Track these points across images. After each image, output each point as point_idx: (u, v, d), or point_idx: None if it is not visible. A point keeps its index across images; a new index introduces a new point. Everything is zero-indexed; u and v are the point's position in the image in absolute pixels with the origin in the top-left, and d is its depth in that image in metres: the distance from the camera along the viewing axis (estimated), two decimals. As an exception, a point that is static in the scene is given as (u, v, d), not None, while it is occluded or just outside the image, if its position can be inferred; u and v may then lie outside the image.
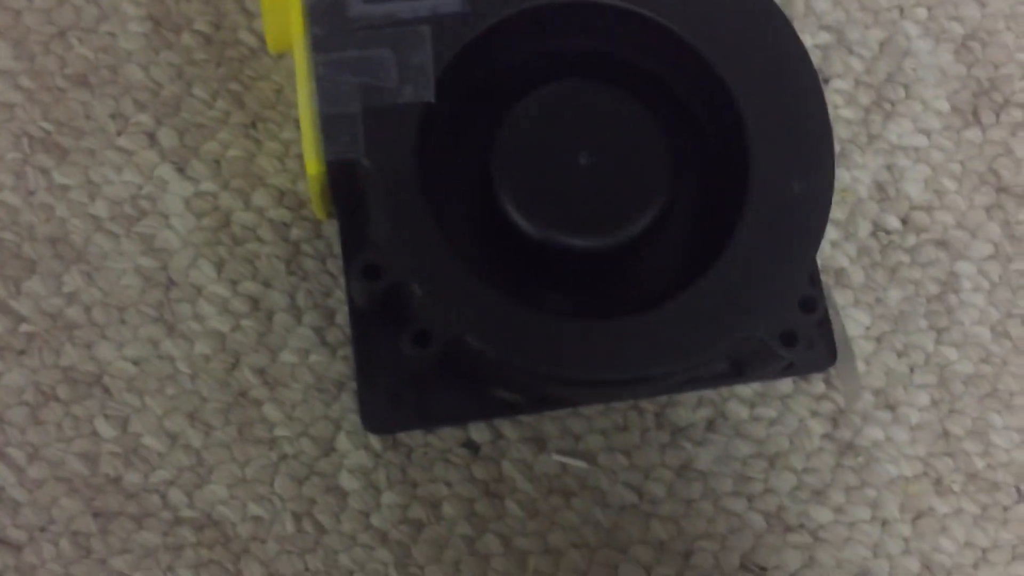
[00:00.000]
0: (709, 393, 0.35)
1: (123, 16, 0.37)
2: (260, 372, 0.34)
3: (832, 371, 0.35)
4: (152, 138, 0.36)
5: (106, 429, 0.34)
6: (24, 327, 0.34)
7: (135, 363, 0.34)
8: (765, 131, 0.32)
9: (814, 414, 0.35)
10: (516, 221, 0.32)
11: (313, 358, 0.35)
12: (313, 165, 0.31)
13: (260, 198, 0.36)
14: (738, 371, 0.34)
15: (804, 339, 0.31)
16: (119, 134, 0.36)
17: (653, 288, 0.33)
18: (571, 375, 0.31)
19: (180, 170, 0.36)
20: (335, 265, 0.35)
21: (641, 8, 0.33)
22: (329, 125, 0.32)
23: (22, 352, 0.34)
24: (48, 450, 0.33)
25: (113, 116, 0.36)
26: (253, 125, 0.36)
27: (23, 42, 0.36)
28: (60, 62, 0.36)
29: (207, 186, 0.36)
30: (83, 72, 0.36)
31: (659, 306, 0.31)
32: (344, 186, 0.33)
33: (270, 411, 0.34)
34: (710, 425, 0.35)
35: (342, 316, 0.35)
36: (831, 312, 0.34)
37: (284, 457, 0.34)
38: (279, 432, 0.34)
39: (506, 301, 0.31)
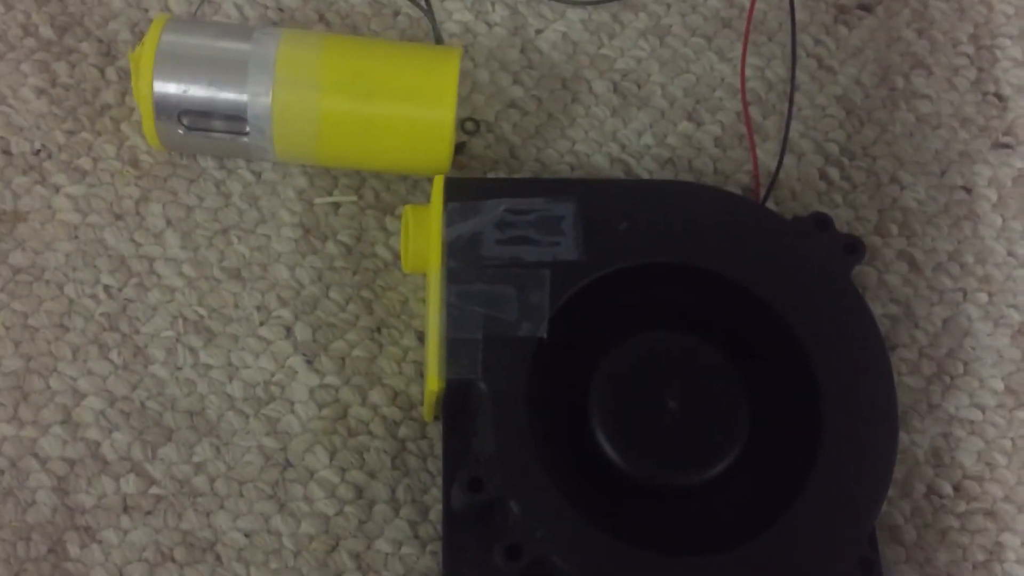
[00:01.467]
0: (766, 630, 0.38)
1: (279, 222, 0.42)
2: (356, 557, 0.38)
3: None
4: (289, 331, 0.41)
5: (213, 594, 0.37)
6: (154, 490, 0.38)
7: (247, 535, 0.38)
8: (836, 393, 0.36)
9: (865, 660, 0.37)
10: (607, 455, 0.36)
11: (405, 550, 0.38)
12: (434, 381, 0.36)
13: (376, 396, 0.40)
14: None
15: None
16: (261, 324, 0.41)
17: (724, 532, 0.36)
18: (645, 604, 0.34)
19: (309, 362, 0.40)
20: (435, 466, 0.39)
21: (732, 275, 0.38)
22: (454, 348, 0.36)
23: (149, 512, 0.38)
24: (159, 607, 0.37)
25: (258, 308, 0.41)
26: (378, 330, 0.41)
27: (190, 235, 0.42)
28: (220, 255, 0.42)
29: (331, 380, 0.40)
30: (238, 267, 0.41)
31: (730, 550, 0.34)
32: (457, 401, 0.37)
33: (361, 595, 0.37)
34: (763, 661, 0.37)
35: (435, 514, 0.38)
36: (884, 570, 0.37)
37: (369, 641, 0.37)
38: (367, 616, 0.37)
39: (593, 528, 0.34)
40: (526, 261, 0.37)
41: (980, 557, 0.39)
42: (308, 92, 0.39)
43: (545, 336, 0.36)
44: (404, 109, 0.40)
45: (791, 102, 0.45)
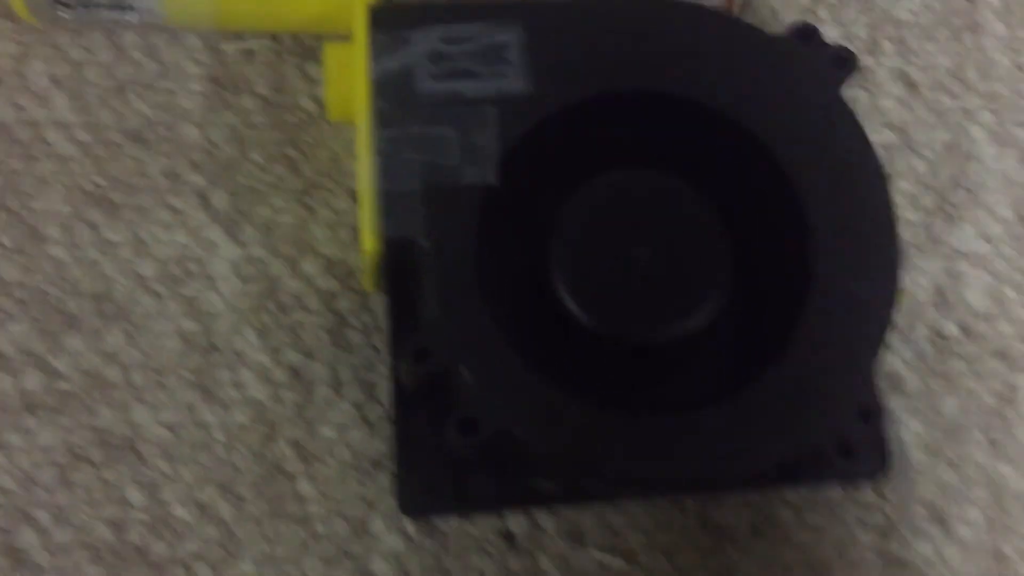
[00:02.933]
0: (755, 496, 0.34)
1: (184, 74, 0.37)
2: (296, 445, 0.34)
3: (882, 480, 0.34)
4: (204, 199, 0.36)
5: (136, 496, 0.33)
6: (60, 384, 0.33)
7: (170, 428, 0.33)
8: (829, 230, 0.32)
9: (862, 524, 0.34)
10: (571, 311, 0.31)
11: (352, 434, 0.34)
12: (369, 241, 0.31)
13: (309, 266, 0.35)
14: (787, 474, 0.33)
15: (862, 450, 0.30)
16: (171, 193, 0.35)
17: (705, 387, 0.32)
18: (621, 474, 0.30)
19: (230, 233, 0.35)
20: (380, 340, 0.35)
21: (706, 100, 0.33)
22: (389, 202, 0.31)
23: (56, 410, 0.33)
24: (75, 514, 0.32)
25: (166, 174, 0.36)
26: (307, 192, 0.36)
27: (81, 94, 0.36)
28: (118, 117, 0.36)
29: (256, 251, 0.35)
30: (139, 128, 0.36)
31: (713, 407, 0.31)
32: (398, 264, 0.32)
33: (304, 486, 0.33)
34: (755, 529, 0.34)
35: (383, 393, 0.34)
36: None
37: (315, 536, 0.33)
38: (312, 509, 0.33)
39: (557, 394, 0.30)
40: (467, 97, 0.32)
41: (991, 402, 0.35)
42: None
43: (494, 183, 0.31)
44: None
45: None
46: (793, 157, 0.33)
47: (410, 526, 0.33)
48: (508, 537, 0.33)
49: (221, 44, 0.37)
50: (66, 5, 0.35)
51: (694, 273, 0.32)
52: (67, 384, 0.33)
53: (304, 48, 0.37)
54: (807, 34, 0.33)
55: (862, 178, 0.33)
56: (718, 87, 0.33)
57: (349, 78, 0.33)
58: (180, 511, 0.33)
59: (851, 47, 0.38)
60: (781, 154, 0.33)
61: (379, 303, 0.35)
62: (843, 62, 0.33)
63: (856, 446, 0.30)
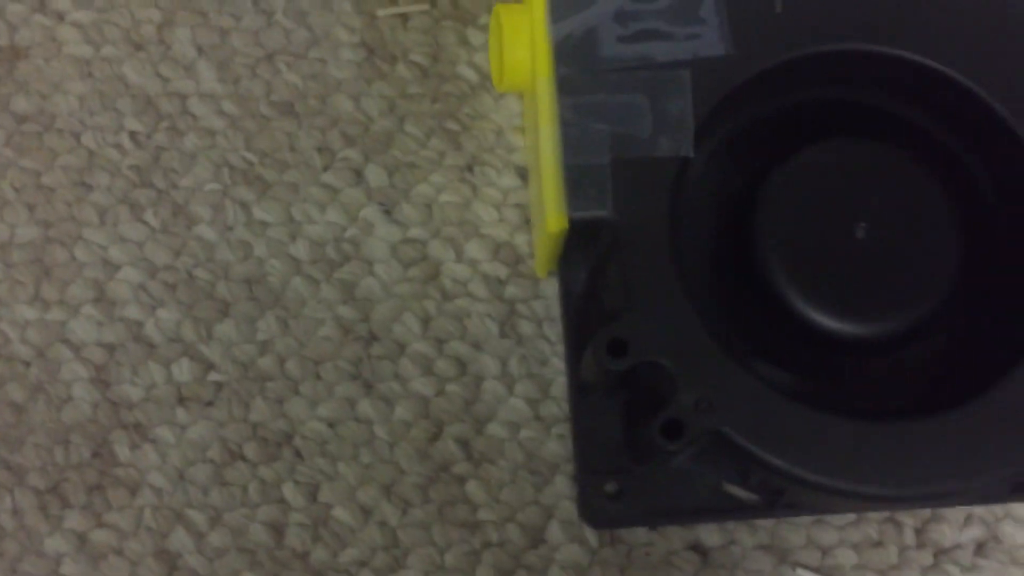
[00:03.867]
0: (979, 510, 0.30)
1: (335, 42, 0.34)
2: (465, 445, 0.31)
3: None
4: (359, 176, 0.33)
5: (295, 497, 0.30)
6: (214, 376, 0.31)
7: (329, 424, 0.31)
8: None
9: (1104, 544, 0.30)
10: (780, 299, 0.28)
11: (524, 434, 0.31)
12: (555, 221, 0.28)
13: (474, 250, 0.32)
14: (1016, 487, 0.29)
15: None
16: (325, 169, 0.33)
17: (929, 392, 0.29)
18: (850, 488, 0.26)
19: (387, 212, 0.32)
20: (553, 330, 0.32)
21: (928, 59, 0.29)
22: (576, 177, 0.28)
23: (210, 404, 0.31)
24: (231, 515, 0.30)
25: (319, 149, 0.33)
26: (470, 169, 0.33)
27: (228, 64, 0.34)
28: (266, 88, 0.33)
29: (416, 232, 0.32)
30: (290, 100, 0.33)
31: (942, 413, 0.27)
32: (579, 245, 0.29)
33: (474, 490, 0.30)
34: (980, 548, 0.30)
35: (558, 388, 0.31)
36: None
37: (488, 544, 0.30)
38: (483, 515, 0.30)
39: (768, 392, 0.27)
40: (659, 61, 0.29)
41: None
42: None
43: (691, 155, 0.28)
44: None
45: None
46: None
47: (591, 536, 0.30)
48: (700, 551, 0.30)
49: (375, 9, 0.34)
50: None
51: (917, 261, 0.28)
52: (220, 375, 0.31)
53: (463, 13, 0.34)
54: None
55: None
56: (944, 44, 0.29)
57: (523, 43, 0.30)
58: (341, 513, 0.30)
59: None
60: (1015, 121, 0.29)
61: (552, 290, 0.32)
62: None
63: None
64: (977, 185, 0.29)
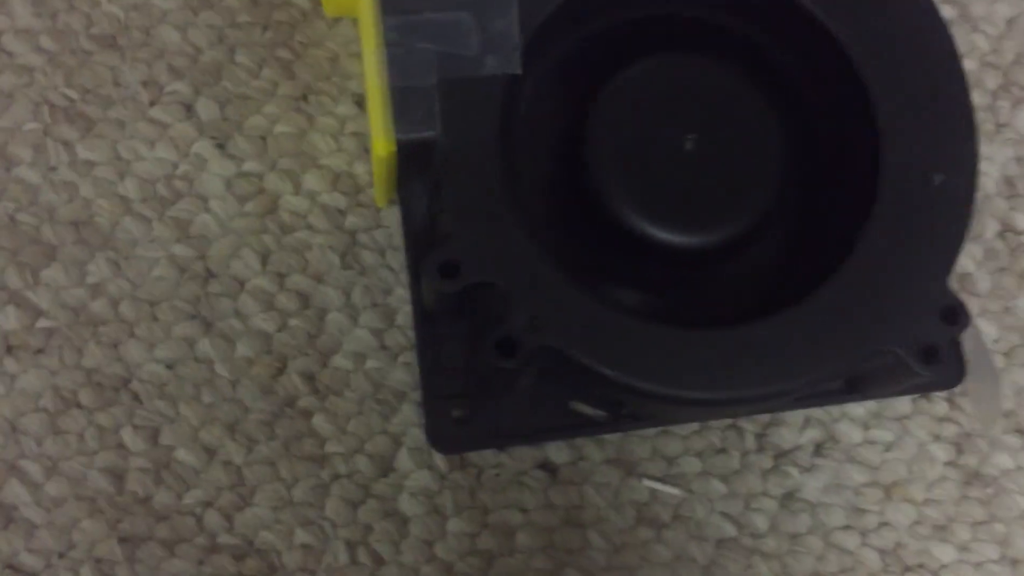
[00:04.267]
0: (817, 412, 0.31)
1: (158, -30, 0.33)
2: (310, 378, 0.30)
3: (959, 389, 0.31)
4: (189, 110, 0.32)
5: (134, 441, 0.29)
6: (43, 322, 0.30)
7: (168, 366, 0.30)
8: (897, 115, 0.28)
9: (936, 438, 0.31)
10: (616, 214, 0.28)
11: (370, 364, 0.31)
12: (382, 145, 0.27)
13: (312, 181, 0.31)
14: (851, 387, 0.30)
15: (945, 355, 0.27)
16: (152, 104, 0.31)
17: (766, 295, 0.29)
18: (680, 394, 0.26)
19: (221, 147, 0.31)
20: (396, 259, 0.31)
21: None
22: (402, 99, 0.27)
23: (40, 351, 0.30)
24: (68, 464, 0.29)
25: (145, 84, 0.32)
26: (304, 98, 0.32)
27: (44, -3, 0.32)
28: (86, 20, 0.32)
29: (251, 166, 0.31)
30: (112, 33, 0.32)
31: (777, 314, 0.27)
32: (414, 169, 0.29)
33: (321, 424, 0.30)
34: (818, 449, 0.31)
35: (403, 317, 0.31)
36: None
37: (337, 477, 0.30)
38: (331, 448, 0.30)
39: (602, 306, 0.27)
40: (484, -23, 0.29)
41: (1067, 300, 0.32)
42: None
43: (519, 71, 0.28)
44: None
45: None
46: (856, 35, 0.29)
47: (440, 461, 0.30)
48: (550, 469, 0.30)
49: (198, -66, 0.33)
50: None
51: (744, 170, 0.29)
52: (50, 321, 0.30)
53: (292, -65, 0.33)
54: None
55: (930, 55, 0.29)
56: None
57: (347, -37, 0.29)
58: (184, 455, 0.29)
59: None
60: (837, 29, 0.29)
61: (393, 218, 0.31)
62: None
63: (939, 351, 0.27)
64: (798, 88, 0.30)
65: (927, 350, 0.27)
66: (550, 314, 0.26)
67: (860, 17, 0.28)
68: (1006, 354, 0.32)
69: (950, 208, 0.28)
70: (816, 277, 0.28)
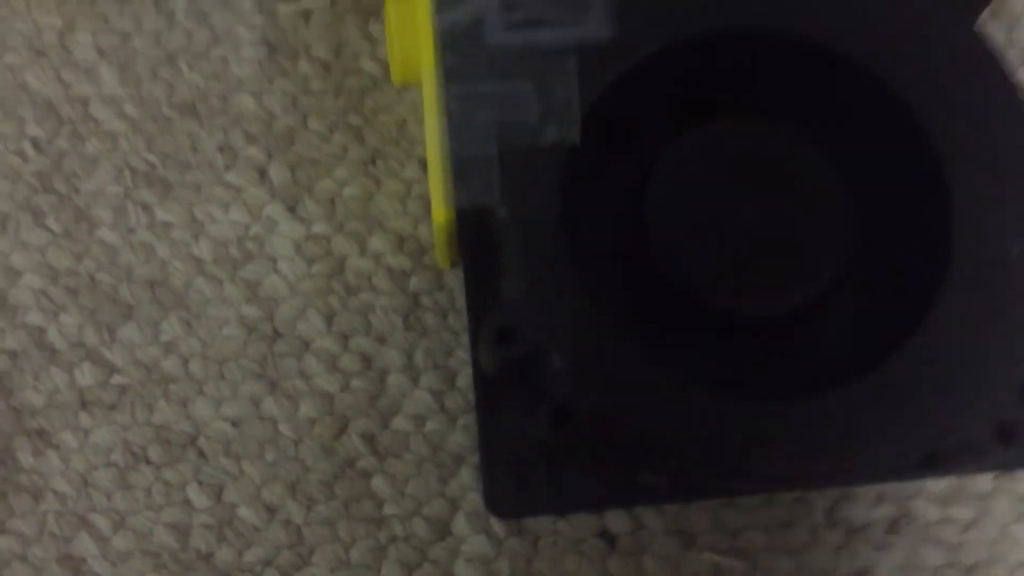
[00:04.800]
0: (891, 487, 0.30)
1: (236, 40, 0.34)
2: (370, 440, 0.31)
3: (1041, 469, 0.29)
4: (263, 174, 0.33)
5: (199, 498, 0.30)
6: (116, 379, 0.31)
7: (234, 424, 0.31)
8: (971, 182, 0.27)
9: (1020, 518, 0.30)
10: (675, 283, 0.28)
11: (430, 426, 0.31)
12: (441, 212, 0.28)
13: (378, 243, 0.32)
14: (928, 462, 0.29)
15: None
16: (227, 169, 0.33)
17: (834, 367, 0.28)
18: (739, 466, 0.26)
19: (291, 209, 0.32)
20: (458, 321, 0.31)
21: (819, 38, 0.29)
22: (461, 168, 0.28)
23: (112, 407, 0.31)
24: (135, 519, 0.30)
25: (222, 149, 0.33)
26: (373, 162, 0.33)
27: (130, 67, 0.33)
28: (168, 89, 0.33)
29: (320, 228, 0.32)
30: (192, 100, 0.33)
31: (843, 389, 0.26)
32: (474, 236, 0.29)
33: (379, 485, 0.30)
34: (892, 526, 0.30)
35: (464, 379, 0.31)
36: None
37: (394, 539, 0.30)
38: (389, 510, 0.30)
39: (662, 376, 0.26)
40: (544, 47, 0.28)
41: None
42: None
43: (577, 142, 0.28)
44: None
45: None
46: (925, 101, 0.28)
47: (498, 527, 0.30)
48: (608, 538, 0.30)
49: (276, 6, 0.34)
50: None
51: (810, 237, 0.28)
52: (123, 378, 0.31)
53: (364, 6, 0.34)
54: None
55: (1004, 123, 0.28)
56: (831, 23, 0.29)
57: (413, 34, 0.30)
58: (246, 513, 0.30)
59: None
60: (910, 98, 0.28)
61: (456, 281, 0.32)
62: (978, -12, 0.29)
63: (1017, 430, 0.26)
64: (868, 154, 0.29)
65: (1004, 429, 0.26)
66: (606, 383, 0.26)
67: (928, 81, 0.28)
68: (1095, 431, 0.30)
69: (1018, 311, 0.27)
70: (888, 349, 0.27)
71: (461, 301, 0.31)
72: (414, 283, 0.32)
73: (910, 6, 0.29)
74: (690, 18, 0.29)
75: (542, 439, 0.27)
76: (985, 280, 0.27)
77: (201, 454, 0.30)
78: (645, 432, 0.26)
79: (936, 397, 0.26)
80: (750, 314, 0.28)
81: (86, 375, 0.31)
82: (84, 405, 0.31)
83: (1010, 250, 0.27)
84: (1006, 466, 0.29)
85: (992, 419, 0.26)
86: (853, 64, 0.28)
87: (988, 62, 0.28)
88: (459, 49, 0.29)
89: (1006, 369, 0.26)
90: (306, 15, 0.34)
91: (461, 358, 0.31)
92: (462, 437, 0.31)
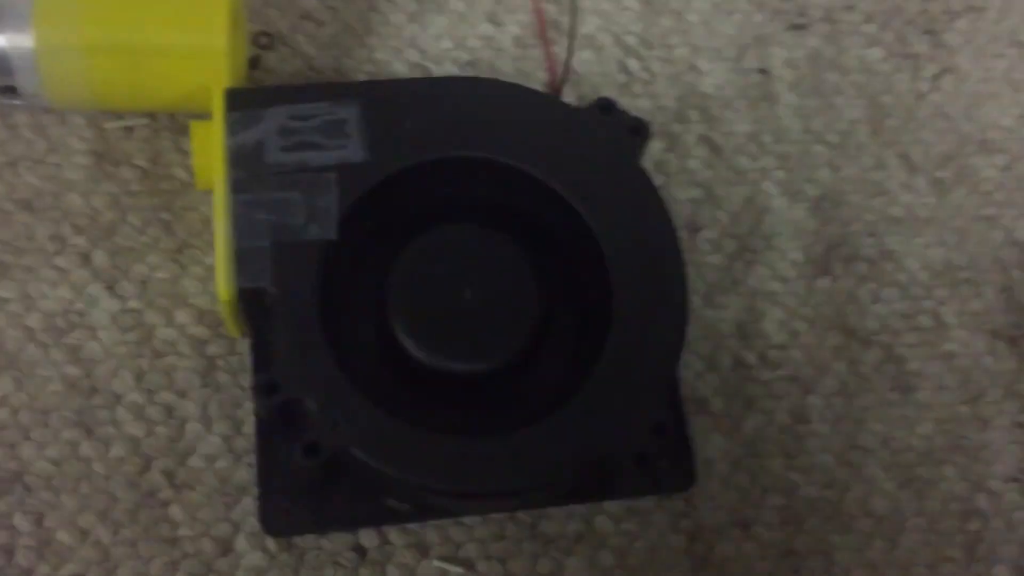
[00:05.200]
0: (580, 508, 0.39)
1: (69, 149, 0.41)
2: (169, 474, 0.38)
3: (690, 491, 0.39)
4: (87, 259, 0.40)
5: (23, 523, 0.37)
6: (-47, 427, 0.37)
7: (55, 463, 0.37)
8: (627, 275, 0.37)
9: (673, 529, 0.39)
10: (407, 347, 0.36)
11: (220, 464, 0.38)
12: (224, 292, 0.36)
13: (182, 316, 0.40)
14: (606, 488, 0.38)
15: (657, 461, 0.35)
16: (56, 254, 0.40)
17: (528, 411, 0.37)
18: (438, 486, 0.34)
19: (110, 288, 0.40)
20: (246, 380, 0.39)
21: (518, 163, 0.38)
22: (242, 256, 0.36)
23: (-51, 450, 0.37)
24: (-35, 542, 0.36)
25: (52, 238, 0.40)
26: (180, 251, 0.40)
27: (-23, 169, 0.41)
28: (9, 188, 0.40)
29: (134, 304, 0.40)
30: (29, 198, 0.40)
31: (530, 427, 0.35)
32: (254, 310, 0.37)
33: (175, 512, 0.37)
34: (579, 537, 0.38)
35: (250, 426, 0.38)
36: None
37: (185, 555, 0.37)
38: (182, 532, 0.37)
39: (390, 417, 0.35)
40: (312, 166, 0.37)
41: (785, 420, 0.41)
42: (72, 33, 0.38)
43: (335, 237, 0.36)
44: (173, 39, 0.39)
45: (586, -5, 0.45)
46: (592, 208, 0.38)
47: (271, 544, 0.37)
48: (360, 551, 0.38)
49: (103, 122, 0.42)
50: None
51: (507, 315, 0.37)
52: (-41, 426, 0.37)
53: (178, 125, 0.42)
54: (606, 107, 0.39)
55: (655, 231, 0.38)
56: (528, 152, 0.38)
57: (212, 151, 0.38)
58: (63, 536, 0.37)
59: (662, 117, 0.44)
60: (581, 206, 0.38)
61: (246, 347, 0.39)
62: (638, 129, 0.39)
63: (651, 458, 0.35)
64: (555, 246, 0.39)
65: (641, 457, 0.35)
66: (348, 423, 0.34)
67: (599, 199, 0.37)
68: (733, 463, 0.40)
69: (662, 347, 0.36)
70: (566, 398, 0.36)
71: (248, 364, 0.39)
72: (211, 349, 0.39)
73: (591, 141, 0.39)
74: (425, 147, 0.38)
75: (297, 469, 0.35)
76: (632, 346, 0.36)
77: (26, 487, 0.37)
78: (377, 463, 0.34)
79: (594, 436, 0.35)
80: (462, 371, 0.37)
81: (-73, 423, 0.37)
82: (-76, 448, 0.37)
83: (652, 328, 0.36)
84: (655, 488, 0.38)
85: (633, 451, 0.35)
86: (542, 184, 0.38)
87: (644, 183, 0.38)
88: (245, 164, 0.37)
89: (644, 412, 0.35)
90: (129, 131, 0.42)
91: (248, 409, 0.39)
92: (246, 473, 0.38)
